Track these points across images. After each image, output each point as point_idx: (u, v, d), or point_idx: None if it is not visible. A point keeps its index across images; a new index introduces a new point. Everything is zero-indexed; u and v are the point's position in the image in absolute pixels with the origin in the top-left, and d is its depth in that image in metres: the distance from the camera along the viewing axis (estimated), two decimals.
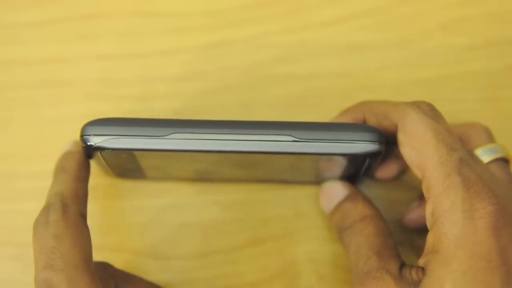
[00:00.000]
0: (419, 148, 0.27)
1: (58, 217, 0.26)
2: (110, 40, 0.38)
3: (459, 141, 0.27)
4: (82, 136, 0.28)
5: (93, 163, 0.31)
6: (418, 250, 0.34)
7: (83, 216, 0.28)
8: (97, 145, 0.27)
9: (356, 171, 0.31)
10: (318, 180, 0.34)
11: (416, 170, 0.27)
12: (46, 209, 0.27)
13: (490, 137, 0.31)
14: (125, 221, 0.35)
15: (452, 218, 0.25)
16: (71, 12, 0.38)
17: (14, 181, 0.35)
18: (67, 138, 0.34)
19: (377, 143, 0.28)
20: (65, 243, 0.25)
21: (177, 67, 0.37)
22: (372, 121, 0.30)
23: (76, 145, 0.30)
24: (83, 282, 0.25)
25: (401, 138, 0.28)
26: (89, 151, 0.28)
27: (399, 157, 0.31)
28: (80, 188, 0.29)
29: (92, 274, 0.26)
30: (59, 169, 0.30)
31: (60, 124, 0.36)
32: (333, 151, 0.28)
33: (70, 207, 0.27)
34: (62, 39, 0.37)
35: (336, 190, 0.33)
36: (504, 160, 0.30)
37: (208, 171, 0.33)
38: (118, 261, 0.33)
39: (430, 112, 0.28)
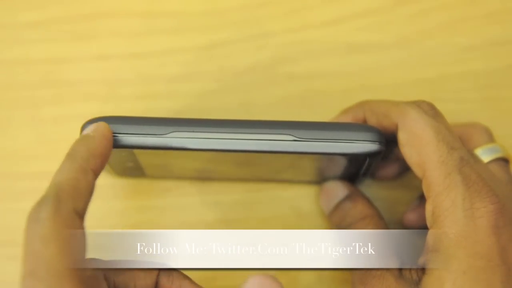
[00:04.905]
0: (419, 147, 0.27)
1: (48, 215, 0.23)
2: (110, 40, 0.38)
3: (459, 140, 0.27)
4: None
5: None
6: (418, 250, 0.34)
7: (78, 214, 0.24)
8: None
9: (356, 170, 0.31)
10: (318, 180, 0.34)
11: (416, 169, 0.27)
12: (40, 202, 0.24)
13: (490, 137, 0.31)
14: (125, 221, 0.35)
15: (452, 217, 0.25)
16: (71, 12, 0.38)
17: (14, 181, 0.35)
18: (67, 138, 0.34)
19: (377, 142, 0.28)
20: (51, 248, 0.23)
21: (177, 67, 0.37)
22: (372, 120, 0.30)
23: (96, 129, 0.27)
24: None
25: (402, 137, 0.28)
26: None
27: (399, 157, 0.30)
28: (83, 180, 0.25)
29: (77, 283, 0.23)
30: (68, 154, 0.26)
31: (60, 124, 0.36)
32: (333, 150, 0.27)
33: (64, 203, 0.24)
34: (62, 39, 0.37)
35: (336, 190, 0.33)
36: (504, 160, 0.30)
37: (208, 170, 0.33)
38: None
39: (431, 111, 0.28)
